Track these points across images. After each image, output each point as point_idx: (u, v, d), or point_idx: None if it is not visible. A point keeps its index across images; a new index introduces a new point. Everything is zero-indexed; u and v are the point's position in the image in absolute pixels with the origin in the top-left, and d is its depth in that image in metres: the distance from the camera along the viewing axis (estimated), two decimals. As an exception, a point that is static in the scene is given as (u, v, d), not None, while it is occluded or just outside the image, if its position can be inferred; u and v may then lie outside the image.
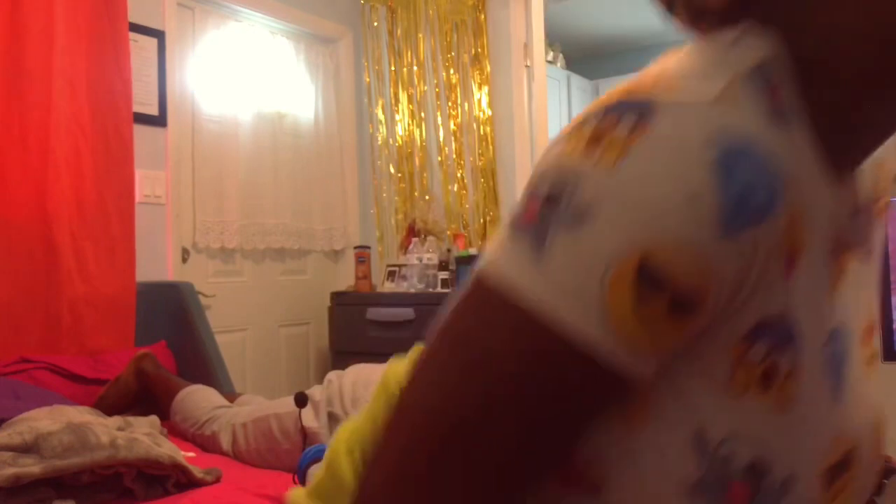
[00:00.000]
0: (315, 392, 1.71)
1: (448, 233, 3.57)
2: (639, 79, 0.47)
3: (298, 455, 1.38)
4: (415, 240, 3.47)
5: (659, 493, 0.45)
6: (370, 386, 1.63)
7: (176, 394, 2.12)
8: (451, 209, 3.64)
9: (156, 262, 2.93)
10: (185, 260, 3.14)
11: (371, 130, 3.92)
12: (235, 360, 3.23)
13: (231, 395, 2.25)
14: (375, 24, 3.90)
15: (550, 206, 0.42)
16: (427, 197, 3.70)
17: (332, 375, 1.74)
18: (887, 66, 0.43)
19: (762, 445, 0.45)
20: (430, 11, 3.72)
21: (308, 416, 1.65)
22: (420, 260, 3.35)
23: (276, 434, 1.73)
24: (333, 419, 1.63)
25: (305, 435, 1.62)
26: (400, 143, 3.80)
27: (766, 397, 0.45)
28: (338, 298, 3.43)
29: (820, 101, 0.45)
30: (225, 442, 1.85)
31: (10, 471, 1.29)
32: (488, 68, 3.57)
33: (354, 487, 0.48)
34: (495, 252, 0.45)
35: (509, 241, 0.44)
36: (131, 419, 1.73)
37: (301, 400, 1.60)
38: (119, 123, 2.60)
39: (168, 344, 2.59)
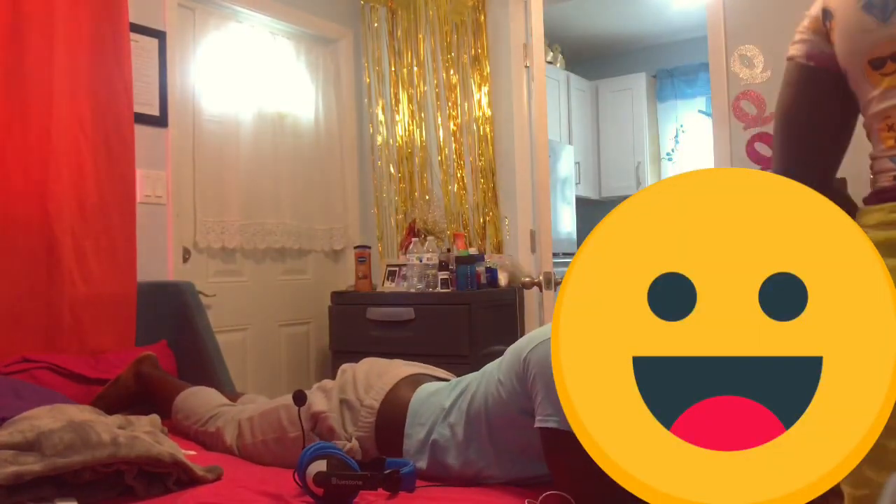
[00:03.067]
0: (326, 382, 1.77)
1: (448, 233, 3.58)
2: None
3: (306, 443, 1.41)
4: (415, 240, 3.48)
5: None
6: (384, 375, 1.69)
7: (176, 395, 2.13)
8: (450, 209, 3.65)
9: (157, 262, 2.93)
10: (185, 260, 3.15)
11: (371, 131, 3.93)
12: (236, 359, 3.24)
13: (233, 396, 2.26)
14: (375, 24, 3.91)
15: None
16: (427, 197, 3.71)
17: (346, 366, 1.80)
18: None
19: None
20: (430, 12, 3.72)
21: (319, 401, 1.69)
22: (420, 260, 3.35)
23: (284, 423, 1.75)
24: (346, 405, 1.66)
25: (315, 420, 1.66)
26: (400, 143, 3.81)
27: None
28: (338, 298, 3.44)
29: None
30: (229, 436, 1.87)
31: (12, 469, 1.30)
32: (488, 69, 3.58)
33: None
34: None
35: None
36: (132, 418, 1.74)
37: (299, 398, 1.61)
38: (120, 124, 2.60)
39: (169, 343, 2.60)
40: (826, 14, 1.14)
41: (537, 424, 1.31)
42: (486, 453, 1.45)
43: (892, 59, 1.04)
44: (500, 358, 1.50)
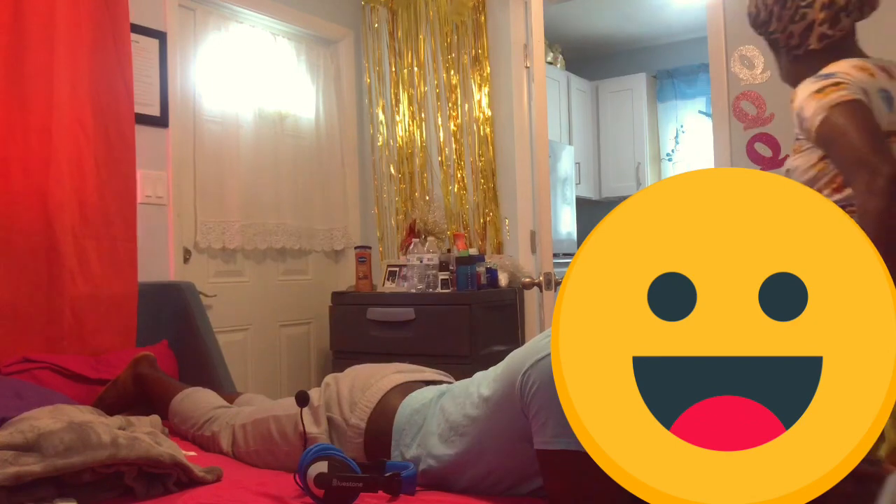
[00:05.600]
0: (313, 396, 1.69)
1: (448, 233, 3.58)
2: None
3: (298, 457, 1.39)
4: (415, 240, 3.48)
5: None
6: (367, 390, 1.61)
7: (173, 396, 2.12)
8: (451, 209, 3.65)
9: (157, 263, 2.94)
10: (186, 260, 3.15)
11: (371, 131, 3.93)
12: (236, 359, 3.24)
13: (231, 395, 2.25)
14: (376, 25, 3.91)
15: None
16: (427, 197, 3.71)
17: (330, 378, 1.73)
18: None
19: None
20: (431, 13, 3.73)
21: (307, 422, 1.64)
22: (420, 260, 3.35)
23: (274, 436, 1.72)
24: (332, 424, 1.63)
25: (305, 440, 1.62)
26: (400, 143, 3.81)
27: None
28: (338, 298, 3.44)
29: None
30: (225, 442, 1.86)
31: (12, 469, 1.30)
32: (488, 69, 3.58)
33: None
34: None
35: None
36: (133, 418, 1.74)
37: (302, 399, 1.60)
38: (121, 124, 2.60)
39: (170, 343, 2.60)
40: (866, 92, 1.56)
41: (539, 447, 1.22)
42: (481, 486, 1.39)
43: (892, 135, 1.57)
44: (491, 372, 1.41)
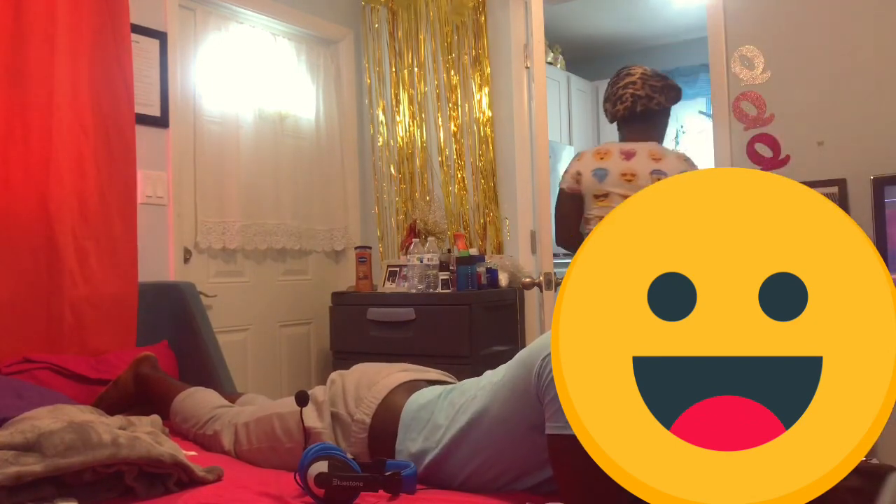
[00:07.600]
0: (318, 392, 1.71)
1: (448, 233, 3.58)
2: None
3: (300, 454, 1.39)
4: (415, 240, 3.48)
5: None
6: (373, 386, 1.62)
7: (174, 396, 2.12)
8: (451, 210, 3.65)
9: (157, 263, 2.94)
10: (186, 260, 3.15)
11: (372, 131, 3.93)
12: (237, 359, 3.24)
13: (232, 396, 2.25)
14: (376, 25, 3.91)
15: None
16: (427, 198, 3.71)
17: (336, 375, 1.74)
18: None
19: None
20: (431, 13, 3.73)
21: (311, 416, 1.65)
22: (421, 260, 3.35)
23: (278, 433, 1.73)
24: (337, 419, 1.63)
25: (308, 435, 1.62)
26: (400, 143, 3.81)
27: None
28: (338, 298, 3.44)
29: None
30: (227, 441, 1.86)
31: (12, 469, 1.30)
32: (488, 70, 3.58)
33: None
34: None
35: None
36: (133, 418, 1.74)
37: (302, 398, 1.60)
38: (121, 124, 2.61)
39: (170, 344, 2.60)
40: (579, 174, 2.69)
41: (551, 431, 1.23)
42: (485, 477, 1.40)
43: (602, 196, 2.64)
44: (503, 367, 1.43)
